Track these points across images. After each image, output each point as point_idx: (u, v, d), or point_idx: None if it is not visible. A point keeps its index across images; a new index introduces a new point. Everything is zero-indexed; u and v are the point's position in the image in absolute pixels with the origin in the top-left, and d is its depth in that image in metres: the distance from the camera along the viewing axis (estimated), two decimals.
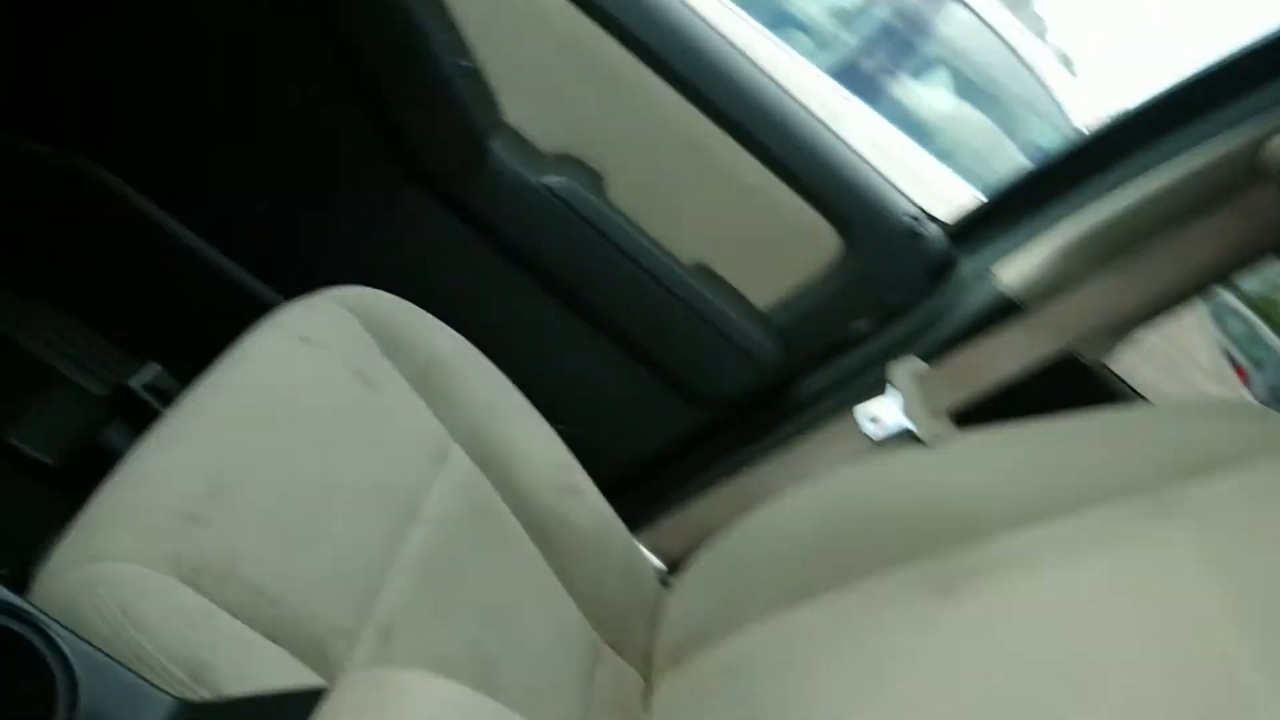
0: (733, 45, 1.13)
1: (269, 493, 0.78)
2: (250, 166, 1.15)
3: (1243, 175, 0.99)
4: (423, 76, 1.06)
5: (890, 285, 1.17)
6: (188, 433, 0.79)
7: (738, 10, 2.90)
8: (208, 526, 0.72)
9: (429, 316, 1.00)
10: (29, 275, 1.21)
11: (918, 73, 3.68)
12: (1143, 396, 1.15)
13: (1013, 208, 1.19)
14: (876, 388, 1.10)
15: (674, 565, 1.12)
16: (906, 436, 1.06)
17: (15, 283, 1.21)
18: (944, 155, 3.36)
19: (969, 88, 3.68)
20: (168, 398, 1.05)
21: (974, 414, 1.05)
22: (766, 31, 3.09)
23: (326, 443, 0.84)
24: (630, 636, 0.98)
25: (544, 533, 0.95)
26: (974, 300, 1.13)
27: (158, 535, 0.70)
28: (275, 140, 1.14)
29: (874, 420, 1.08)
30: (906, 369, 1.11)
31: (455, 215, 1.12)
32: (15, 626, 0.52)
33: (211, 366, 0.86)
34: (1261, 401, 2.87)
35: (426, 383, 0.96)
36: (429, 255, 1.14)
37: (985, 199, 1.23)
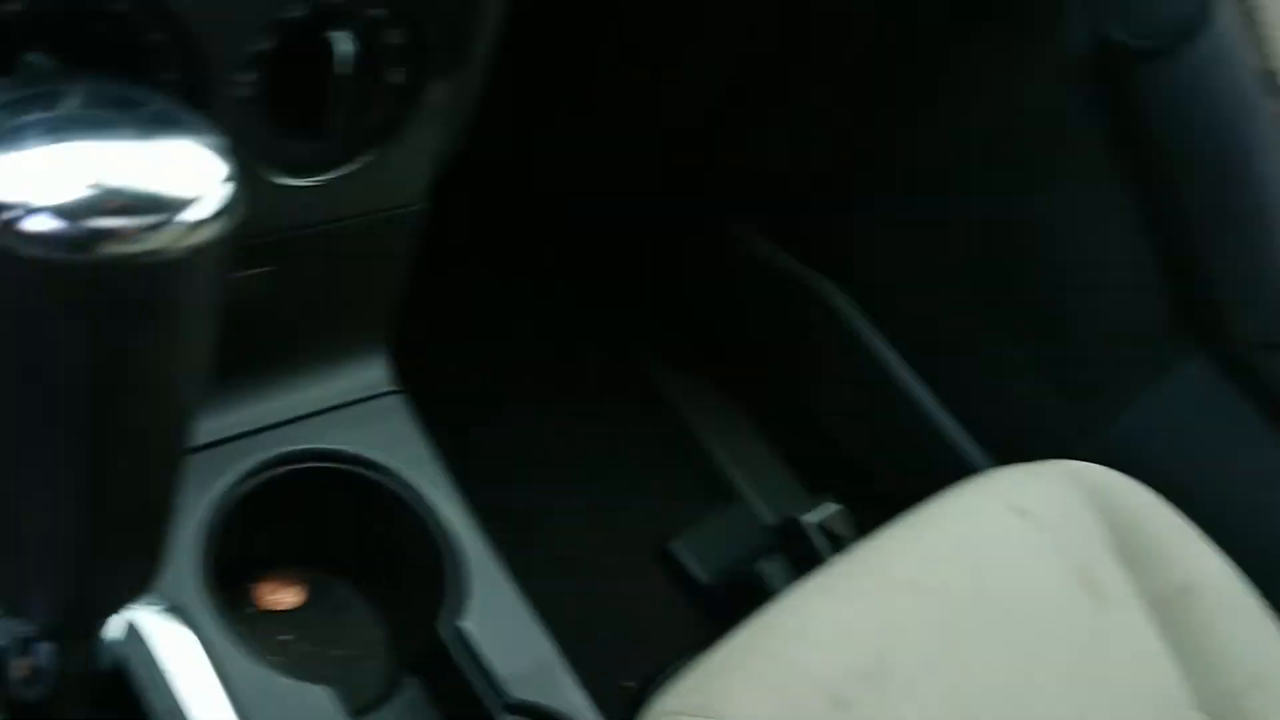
0: None
1: (935, 696, 0.63)
2: (987, 307, 1.01)
3: None
4: (1251, 210, 0.81)
5: None
6: (857, 591, 0.67)
7: None
8: (852, 717, 0.58)
9: (1192, 526, 0.77)
10: (742, 385, 1.22)
11: None
12: None
13: None
14: None
15: None
16: None
17: (727, 389, 1.22)
18: None
19: None
20: (839, 543, 1.00)
21: None
22: None
23: (1023, 653, 0.68)
24: None
25: None
26: None
27: (794, 713, 0.58)
28: (1024, 278, 0.97)
29: None
30: None
31: (1256, 400, 0.83)
32: None
33: (897, 520, 0.74)
34: None
35: (1174, 617, 0.74)
36: (1202, 445, 0.88)
37: None
